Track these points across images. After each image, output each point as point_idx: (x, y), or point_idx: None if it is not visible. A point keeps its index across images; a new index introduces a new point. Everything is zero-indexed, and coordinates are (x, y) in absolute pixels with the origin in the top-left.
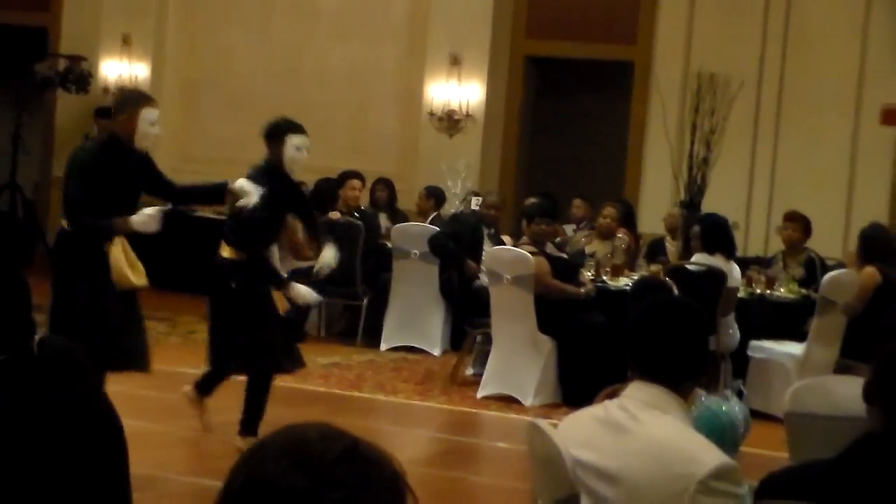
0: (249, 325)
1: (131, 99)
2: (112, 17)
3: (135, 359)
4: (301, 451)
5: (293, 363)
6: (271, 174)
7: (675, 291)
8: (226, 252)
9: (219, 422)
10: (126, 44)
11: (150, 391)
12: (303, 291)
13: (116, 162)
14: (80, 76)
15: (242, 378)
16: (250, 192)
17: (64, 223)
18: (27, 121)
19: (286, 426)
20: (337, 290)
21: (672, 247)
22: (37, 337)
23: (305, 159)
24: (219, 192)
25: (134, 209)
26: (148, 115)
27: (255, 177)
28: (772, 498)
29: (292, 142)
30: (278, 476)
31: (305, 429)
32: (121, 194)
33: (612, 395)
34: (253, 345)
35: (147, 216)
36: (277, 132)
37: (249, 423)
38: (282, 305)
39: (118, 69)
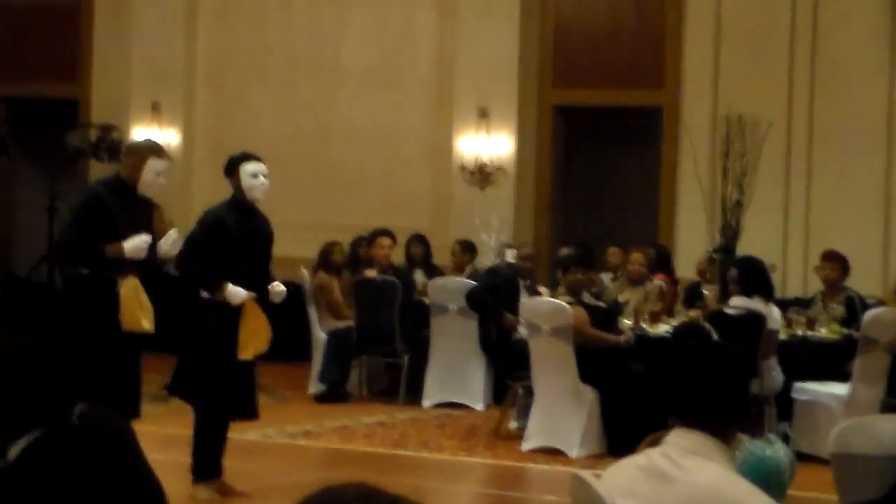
0: (204, 364)
1: (141, 147)
2: (141, 84)
3: (124, 405)
4: None
5: (244, 412)
6: (230, 207)
7: (715, 336)
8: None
9: (264, 485)
10: (156, 111)
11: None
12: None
13: (121, 201)
14: (111, 145)
15: (280, 440)
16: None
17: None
18: (61, 191)
19: (325, 487)
20: (377, 348)
21: (709, 291)
22: (77, 408)
23: (266, 187)
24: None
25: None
26: (154, 165)
27: (211, 210)
28: None
29: (246, 170)
30: None
31: (345, 489)
32: (127, 232)
33: (654, 443)
34: (201, 383)
35: (140, 241)
36: (231, 165)
37: (196, 467)
38: (248, 353)
39: (149, 136)
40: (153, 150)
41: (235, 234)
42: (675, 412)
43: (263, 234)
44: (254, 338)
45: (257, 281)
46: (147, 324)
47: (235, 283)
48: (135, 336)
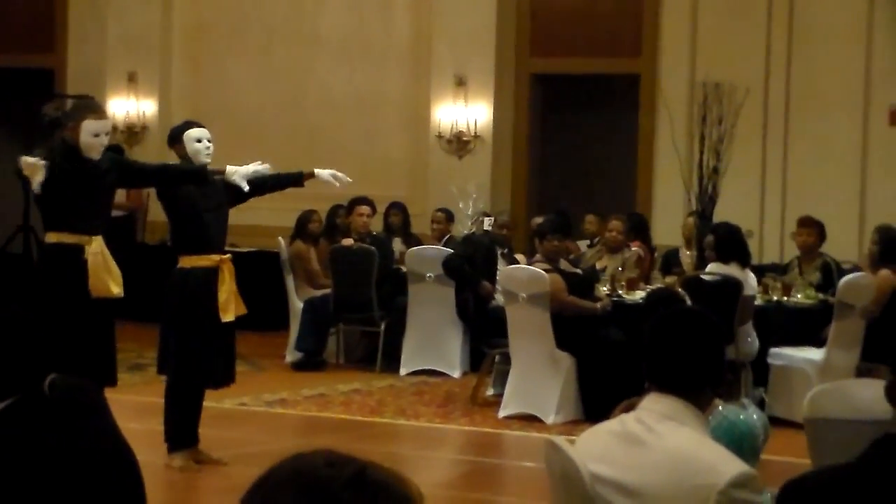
0: (181, 332)
1: (77, 109)
2: (117, 55)
3: (100, 373)
4: (309, 479)
5: (224, 378)
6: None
7: (688, 302)
8: (181, 262)
9: (240, 453)
10: (132, 81)
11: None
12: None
13: (69, 165)
14: None
15: (257, 408)
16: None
17: (48, 237)
18: None
19: (293, 454)
20: (354, 316)
21: (687, 257)
22: (48, 378)
23: (213, 150)
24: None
25: (104, 210)
26: (90, 126)
27: None
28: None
29: (190, 136)
30: None
31: (312, 456)
32: (82, 195)
33: (628, 409)
34: (177, 352)
35: (39, 163)
36: (174, 135)
37: (169, 436)
38: (230, 314)
39: (126, 107)
40: (89, 111)
41: (191, 200)
42: (651, 377)
43: (217, 198)
44: (234, 297)
45: (221, 244)
46: (116, 288)
47: (200, 247)
48: (106, 303)
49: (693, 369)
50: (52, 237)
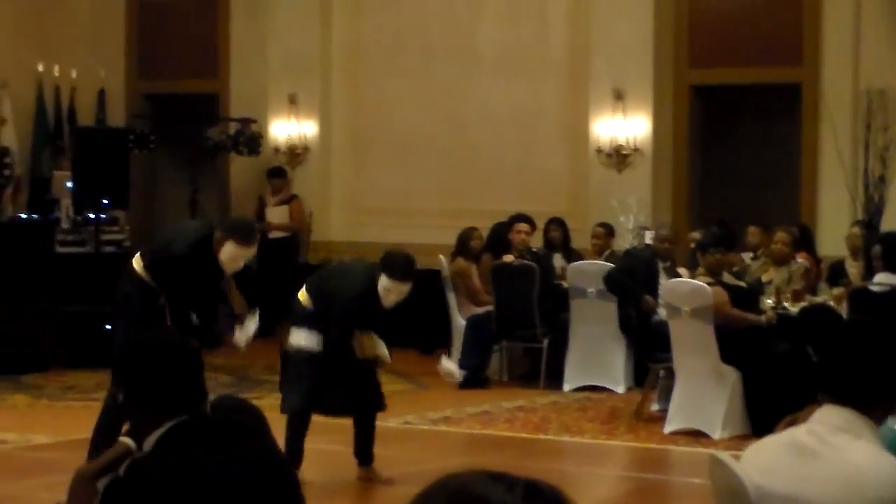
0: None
1: (232, 230)
2: (278, 78)
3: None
4: (470, 498)
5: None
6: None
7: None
8: None
9: (405, 472)
10: (293, 103)
11: (335, 445)
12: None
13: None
14: (250, 138)
15: (422, 426)
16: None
17: None
18: (202, 185)
19: (447, 475)
20: (517, 333)
21: (853, 268)
22: (210, 398)
23: (393, 304)
24: None
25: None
26: (232, 251)
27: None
28: None
29: (382, 283)
30: None
31: (471, 475)
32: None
33: (791, 424)
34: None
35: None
36: (380, 266)
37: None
38: (361, 352)
39: (287, 129)
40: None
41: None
42: (826, 388)
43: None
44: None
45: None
46: None
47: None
48: None
49: (873, 382)
50: None
